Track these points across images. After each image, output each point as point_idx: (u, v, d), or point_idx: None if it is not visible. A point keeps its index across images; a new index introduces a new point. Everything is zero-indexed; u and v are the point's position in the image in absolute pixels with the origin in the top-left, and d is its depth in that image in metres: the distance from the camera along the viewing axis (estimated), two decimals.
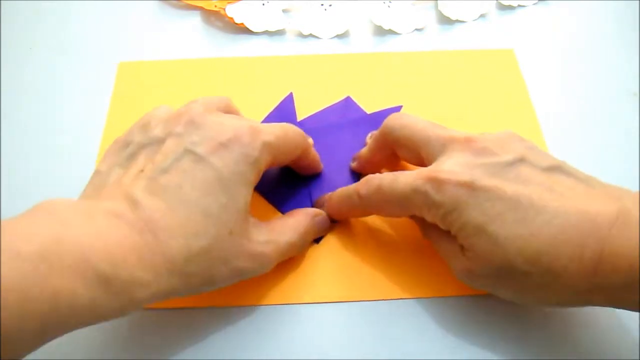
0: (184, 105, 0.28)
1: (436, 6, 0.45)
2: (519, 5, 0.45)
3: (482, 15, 0.44)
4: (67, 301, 0.21)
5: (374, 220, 0.33)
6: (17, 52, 0.42)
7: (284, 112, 0.37)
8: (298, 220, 0.30)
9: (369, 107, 0.38)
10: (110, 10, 0.44)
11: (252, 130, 0.27)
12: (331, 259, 0.32)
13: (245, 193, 0.26)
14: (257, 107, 0.38)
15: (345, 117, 0.37)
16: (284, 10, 0.44)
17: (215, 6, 0.43)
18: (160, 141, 0.27)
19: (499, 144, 0.27)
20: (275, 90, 0.39)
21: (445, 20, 0.44)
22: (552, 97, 0.39)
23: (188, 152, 0.25)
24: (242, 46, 0.42)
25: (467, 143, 0.27)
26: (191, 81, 0.40)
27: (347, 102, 0.38)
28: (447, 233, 0.27)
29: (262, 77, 0.40)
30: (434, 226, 0.27)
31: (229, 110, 0.30)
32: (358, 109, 0.38)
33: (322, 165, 0.34)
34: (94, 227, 0.22)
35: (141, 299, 0.23)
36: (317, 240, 0.32)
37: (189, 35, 0.43)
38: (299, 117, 0.37)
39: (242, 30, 0.43)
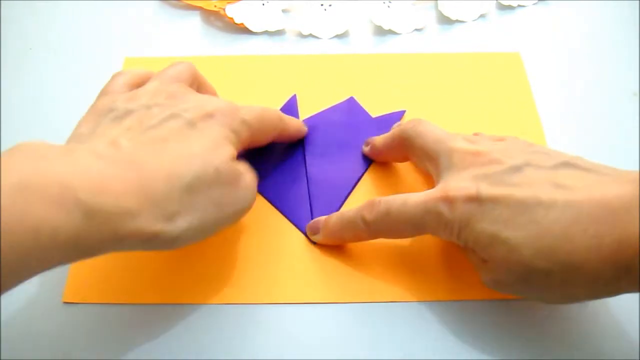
0: (159, 81, 0.29)
1: (436, 6, 0.45)
2: (519, 5, 0.45)
3: (482, 15, 0.44)
4: (49, 233, 0.20)
5: None
6: (17, 52, 0.42)
7: (287, 113, 0.37)
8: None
9: (374, 108, 0.38)
10: (110, 11, 0.44)
11: (232, 106, 0.29)
12: (326, 260, 0.31)
13: (229, 148, 0.27)
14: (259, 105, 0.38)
15: (348, 118, 0.37)
16: (283, 10, 0.44)
17: (215, 6, 0.43)
18: (148, 107, 0.27)
19: (505, 153, 0.27)
20: (277, 89, 0.39)
21: (445, 20, 0.44)
22: (552, 97, 0.39)
23: (176, 115, 0.27)
24: (242, 46, 0.42)
25: (474, 157, 0.27)
26: None
27: (351, 103, 0.38)
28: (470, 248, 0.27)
29: (264, 76, 0.40)
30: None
31: (196, 78, 0.32)
32: (361, 110, 0.38)
33: (305, 129, 0.35)
34: (75, 161, 0.22)
35: (126, 232, 0.23)
36: (313, 241, 0.32)
37: (189, 35, 0.43)
38: (301, 117, 0.37)
39: (242, 30, 0.43)
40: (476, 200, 0.26)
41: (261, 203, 0.34)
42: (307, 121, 0.37)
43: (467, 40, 0.43)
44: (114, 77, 0.30)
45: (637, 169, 0.35)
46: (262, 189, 0.34)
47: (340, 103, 0.38)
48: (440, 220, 0.26)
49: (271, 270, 0.31)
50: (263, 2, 0.44)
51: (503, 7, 0.45)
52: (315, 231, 0.32)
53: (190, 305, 0.30)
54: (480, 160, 0.27)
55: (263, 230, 0.33)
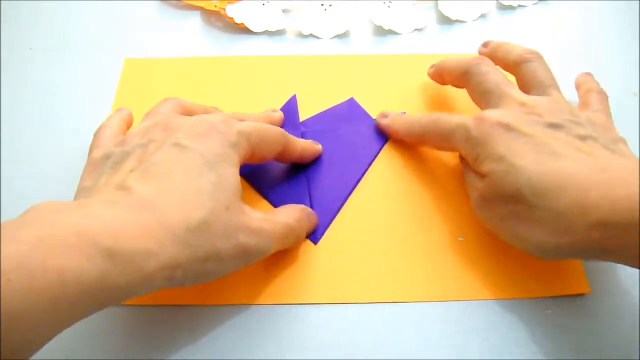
0: (149, 120, 0.30)
1: (436, 6, 0.45)
2: (519, 5, 0.45)
3: (482, 15, 0.44)
4: (74, 278, 0.21)
5: (372, 222, 0.33)
6: (17, 52, 0.42)
7: (286, 113, 0.37)
8: (291, 208, 0.31)
9: (374, 109, 0.38)
10: (110, 11, 0.44)
11: (226, 120, 0.29)
12: (327, 261, 0.31)
13: (232, 172, 0.27)
14: (259, 106, 0.38)
15: (348, 119, 0.37)
16: (284, 10, 0.44)
17: (215, 6, 0.43)
18: (144, 146, 0.28)
19: (547, 111, 0.30)
20: (277, 89, 0.39)
21: (445, 20, 0.44)
22: None
23: (174, 144, 0.27)
24: (242, 46, 0.42)
25: (520, 105, 0.30)
26: (195, 79, 0.40)
27: (351, 104, 0.38)
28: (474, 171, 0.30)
29: (264, 77, 0.40)
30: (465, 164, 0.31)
31: (186, 108, 0.32)
32: (361, 111, 0.38)
33: (319, 148, 0.35)
34: (89, 211, 0.23)
35: (150, 271, 0.23)
36: (315, 241, 0.32)
37: (189, 35, 0.43)
38: (301, 117, 0.37)
39: (242, 30, 0.43)
40: (505, 126, 0.29)
41: (262, 205, 0.34)
42: (307, 122, 0.37)
43: (467, 40, 0.43)
44: (98, 130, 0.31)
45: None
46: (262, 190, 0.34)
47: (341, 104, 0.38)
48: (465, 134, 0.30)
49: (272, 271, 0.31)
50: (263, 2, 0.44)
51: (503, 7, 0.45)
52: (384, 116, 0.36)
53: (192, 306, 0.30)
54: (524, 109, 0.30)
55: None
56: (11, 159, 0.36)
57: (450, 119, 0.31)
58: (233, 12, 0.43)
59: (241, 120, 0.31)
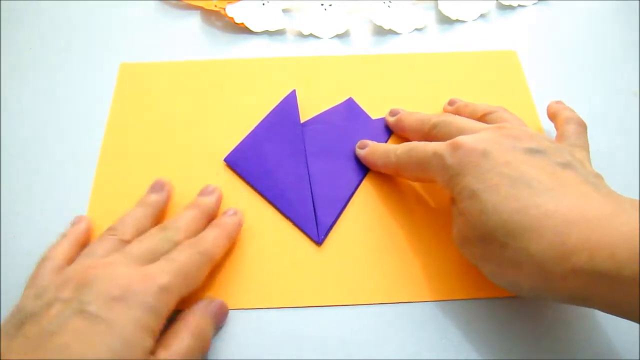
0: (76, 264, 0.27)
1: (436, 6, 0.45)
2: (519, 5, 0.45)
3: (482, 15, 0.44)
4: None
5: (376, 223, 0.33)
6: (17, 52, 0.42)
7: (286, 109, 0.37)
8: (187, 323, 0.27)
9: (372, 109, 0.38)
10: (110, 11, 0.44)
11: (145, 277, 0.26)
12: (328, 263, 0.31)
13: (143, 338, 0.24)
14: (258, 108, 0.38)
15: (348, 119, 0.37)
16: (284, 10, 0.44)
17: (215, 6, 0.43)
18: (48, 305, 0.25)
19: (526, 135, 0.28)
20: (276, 91, 0.38)
21: (445, 20, 0.44)
22: (553, 97, 0.39)
23: (79, 312, 0.24)
24: (242, 46, 0.42)
25: (497, 129, 0.29)
26: (192, 83, 0.40)
27: (350, 104, 0.38)
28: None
29: (263, 79, 0.40)
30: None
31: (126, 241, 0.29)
32: (360, 111, 0.38)
33: (238, 219, 0.32)
34: None
35: None
36: (318, 243, 0.32)
37: (189, 35, 0.43)
38: (302, 118, 0.37)
39: (242, 30, 0.43)
40: (480, 152, 0.27)
41: (264, 207, 0.34)
42: (307, 123, 0.37)
43: (467, 40, 0.43)
44: (39, 263, 0.28)
45: (637, 168, 0.36)
46: (265, 192, 0.34)
47: (339, 104, 0.38)
48: (442, 163, 0.28)
49: (274, 274, 0.31)
50: (263, 1, 0.44)
51: (503, 7, 0.45)
52: (363, 146, 0.35)
53: None
54: (502, 131, 0.28)
55: (265, 233, 0.33)
56: (10, 159, 0.36)
57: (425, 147, 0.30)
58: (233, 12, 0.43)
59: (174, 242, 0.28)
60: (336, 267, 0.31)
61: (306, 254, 0.32)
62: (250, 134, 0.36)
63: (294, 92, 0.38)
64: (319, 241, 0.32)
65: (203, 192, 0.32)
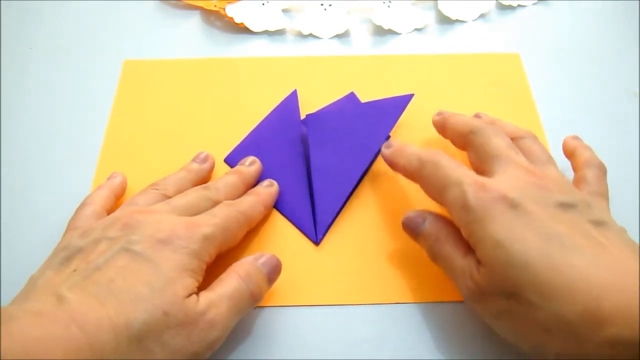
0: (119, 211, 0.29)
1: (436, 6, 0.45)
2: (519, 5, 0.45)
3: (482, 15, 0.44)
4: None
5: (374, 223, 0.33)
6: (17, 52, 0.42)
7: (287, 108, 0.37)
8: (238, 266, 0.28)
9: None
10: (110, 11, 0.44)
11: (190, 224, 0.27)
12: (328, 263, 0.31)
13: (185, 279, 0.25)
14: (258, 108, 0.38)
15: (350, 110, 0.37)
16: (284, 10, 0.44)
17: (215, 6, 0.43)
18: (96, 242, 0.26)
19: (557, 186, 0.27)
20: (277, 90, 0.39)
21: (445, 20, 0.44)
22: (552, 97, 0.39)
23: (125, 250, 0.25)
24: (242, 46, 0.42)
25: (528, 173, 0.27)
26: (195, 80, 0.40)
27: (350, 98, 0.38)
28: (463, 250, 0.27)
29: (264, 78, 0.40)
30: (450, 241, 0.28)
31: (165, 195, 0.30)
32: (361, 105, 0.38)
33: (274, 190, 0.33)
34: (12, 330, 0.21)
35: None
36: (316, 242, 0.32)
37: (189, 35, 0.43)
38: (303, 116, 0.37)
39: (242, 30, 0.43)
40: (509, 202, 0.25)
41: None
42: (309, 116, 0.37)
43: (467, 40, 0.43)
44: (79, 207, 0.30)
45: (638, 168, 0.35)
46: None
47: (341, 98, 0.38)
48: (463, 199, 0.26)
49: None
50: (263, 1, 0.44)
51: (503, 7, 0.45)
52: (388, 146, 0.32)
53: None
54: (533, 178, 0.26)
55: (264, 232, 0.33)
56: (10, 159, 0.36)
57: (451, 171, 0.27)
58: (233, 12, 0.43)
59: (213, 200, 0.30)
60: (334, 267, 0.31)
61: (304, 253, 0.32)
62: (250, 133, 0.37)
63: (295, 92, 0.38)
64: (316, 241, 0.32)
65: (244, 162, 0.34)
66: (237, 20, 0.42)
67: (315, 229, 0.32)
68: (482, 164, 0.29)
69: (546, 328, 0.23)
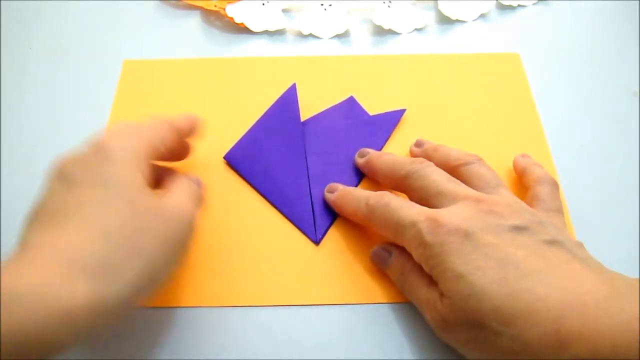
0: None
1: (436, 6, 0.45)
2: (519, 5, 0.45)
3: (482, 15, 0.44)
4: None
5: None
6: (17, 52, 0.42)
7: (286, 104, 0.37)
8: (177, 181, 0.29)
9: (374, 109, 0.38)
10: (110, 10, 0.44)
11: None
12: (327, 262, 0.31)
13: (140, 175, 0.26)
14: (258, 108, 0.38)
15: (348, 118, 0.37)
16: (284, 10, 0.44)
17: (215, 6, 0.43)
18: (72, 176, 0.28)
19: (507, 210, 0.27)
20: (277, 90, 0.38)
21: (445, 20, 0.44)
22: (552, 97, 0.39)
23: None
24: (242, 46, 0.42)
25: (477, 202, 0.27)
26: (194, 80, 0.40)
27: (350, 102, 0.38)
28: (427, 282, 0.27)
29: (264, 77, 0.40)
30: (414, 273, 0.28)
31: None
32: (361, 109, 0.38)
33: (194, 120, 0.31)
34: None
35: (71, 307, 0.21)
36: (316, 242, 0.32)
37: (189, 35, 0.43)
38: (302, 117, 0.37)
39: (242, 30, 0.43)
40: (464, 235, 0.25)
41: (263, 205, 0.34)
42: (307, 122, 0.37)
43: (467, 40, 0.43)
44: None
45: (637, 168, 0.35)
46: (263, 190, 0.34)
47: (340, 103, 0.38)
48: (419, 238, 0.26)
49: (272, 272, 0.31)
50: (263, 1, 0.44)
51: (503, 7, 0.45)
52: (331, 190, 0.33)
53: (192, 308, 0.30)
54: (482, 206, 0.27)
55: (263, 231, 0.33)
56: (10, 159, 0.36)
57: (402, 212, 0.28)
58: (233, 12, 0.43)
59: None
60: (334, 266, 0.31)
61: (304, 252, 0.32)
62: (249, 130, 0.37)
63: (294, 86, 0.38)
64: (316, 240, 0.32)
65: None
66: (237, 20, 0.42)
67: (315, 229, 0.32)
68: (427, 202, 0.29)
69: (511, 352, 0.23)
